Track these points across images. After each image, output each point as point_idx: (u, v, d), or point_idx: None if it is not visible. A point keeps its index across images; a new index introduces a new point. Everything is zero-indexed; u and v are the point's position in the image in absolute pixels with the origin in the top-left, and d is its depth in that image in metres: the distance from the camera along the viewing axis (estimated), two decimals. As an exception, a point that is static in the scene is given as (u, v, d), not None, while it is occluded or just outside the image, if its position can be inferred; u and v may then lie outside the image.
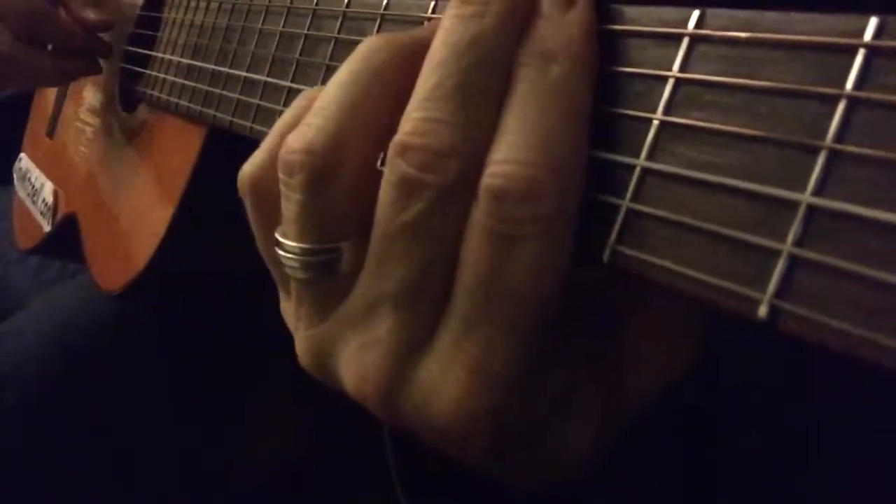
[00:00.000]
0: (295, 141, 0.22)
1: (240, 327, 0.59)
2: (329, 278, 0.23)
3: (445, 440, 0.22)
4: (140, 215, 0.53)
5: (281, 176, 0.23)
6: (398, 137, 0.20)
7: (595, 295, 0.23)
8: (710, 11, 0.18)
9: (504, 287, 0.19)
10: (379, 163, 0.24)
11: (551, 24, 0.20)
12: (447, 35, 0.21)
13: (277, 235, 0.24)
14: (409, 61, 0.22)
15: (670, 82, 0.19)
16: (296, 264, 0.23)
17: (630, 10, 0.20)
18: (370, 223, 0.22)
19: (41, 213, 0.72)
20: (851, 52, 0.15)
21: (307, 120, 0.23)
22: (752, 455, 0.29)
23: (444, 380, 0.20)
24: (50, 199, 0.71)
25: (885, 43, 0.15)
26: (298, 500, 0.60)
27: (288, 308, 0.26)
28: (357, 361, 0.22)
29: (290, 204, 0.23)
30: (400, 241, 0.21)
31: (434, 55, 0.21)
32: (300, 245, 0.23)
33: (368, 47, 0.23)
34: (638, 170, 0.19)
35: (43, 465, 0.55)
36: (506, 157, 0.19)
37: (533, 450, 0.22)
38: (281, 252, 0.24)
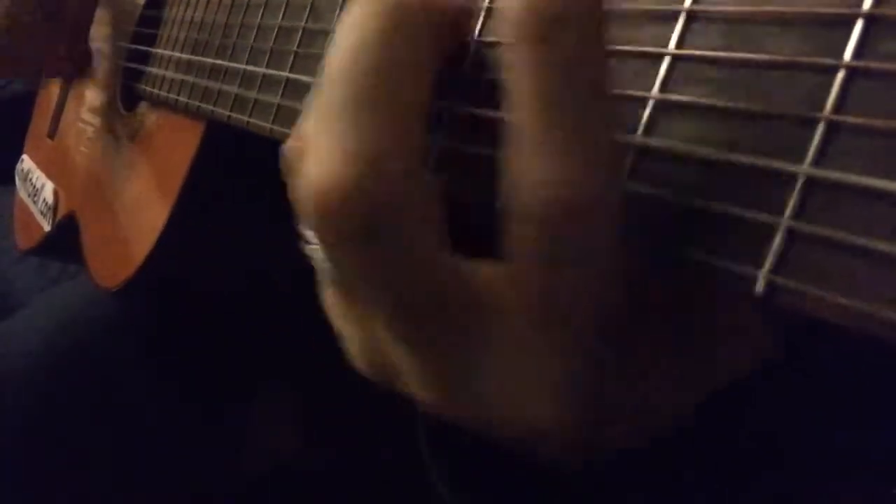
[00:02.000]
0: (322, 174, 0.18)
1: (240, 326, 0.59)
2: None
3: (534, 445, 0.20)
4: (138, 212, 0.53)
5: (324, 229, 0.19)
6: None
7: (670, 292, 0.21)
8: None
9: (564, 302, 0.18)
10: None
11: None
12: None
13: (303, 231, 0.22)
14: (436, 24, 0.19)
15: (666, 59, 0.18)
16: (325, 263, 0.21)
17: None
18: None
19: (41, 212, 0.72)
20: (850, 22, 0.15)
21: (320, 134, 0.19)
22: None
23: (526, 394, 0.19)
24: (50, 199, 0.71)
25: (884, 11, 0.15)
26: (298, 501, 0.60)
27: (332, 311, 0.23)
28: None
29: (346, 270, 0.20)
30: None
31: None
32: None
33: (379, 2, 0.19)
34: (634, 148, 0.18)
35: (43, 464, 0.55)
36: (548, 179, 0.17)
37: (622, 432, 0.21)
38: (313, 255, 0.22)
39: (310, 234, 0.21)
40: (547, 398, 0.19)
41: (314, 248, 0.21)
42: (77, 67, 0.64)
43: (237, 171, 0.48)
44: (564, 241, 0.17)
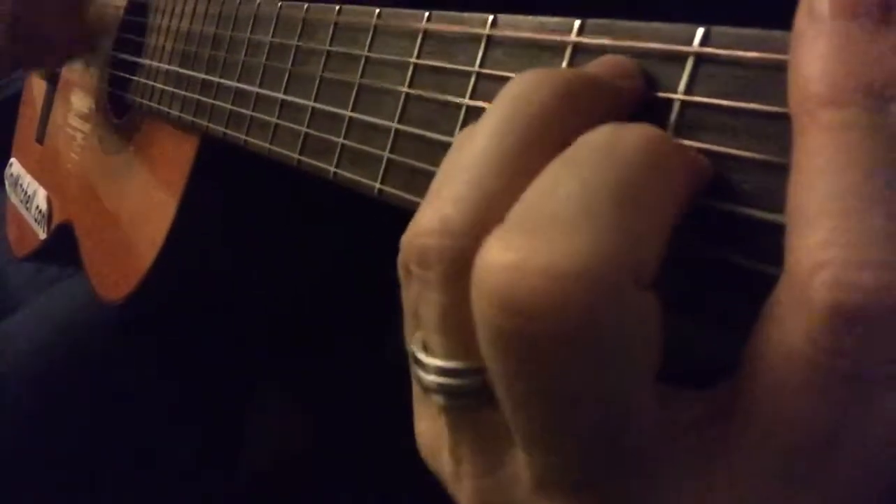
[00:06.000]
0: (427, 219, 0.16)
1: (241, 327, 0.59)
2: (486, 408, 0.17)
3: None
4: (138, 223, 0.53)
5: (412, 268, 0.17)
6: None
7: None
8: (716, 29, 0.18)
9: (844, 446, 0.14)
10: None
11: None
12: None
13: (414, 348, 0.18)
14: (573, 102, 0.17)
15: (676, 104, 0.18)
16: (442, 388, 0.17)
17: (633, 26, 0.20)
18: None
19: (35, 220, 0.72)
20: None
21: (439, 189, 0.17)
22: None
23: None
24: (44, 206, 0.70)
25: None
26: (298, 501, 0.61)
27: (439, 446, 0.19)
28: None
29: (428, 307, 0.17)
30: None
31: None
32: (447, 364, 0.17)
33: (524, 85, 0.17)
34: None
35: (43, 463, 0.56)
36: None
37: None
38: (420, 371, 0.18)
39: (422, 356, 0.18)
40: None
41: (428, 379, 0.17)
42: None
43: (235, 181, 0.48)
44: (862, 352, 0.13)
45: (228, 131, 0.39)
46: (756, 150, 0.17)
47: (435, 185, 0.18)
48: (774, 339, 0.14)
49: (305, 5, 0.34)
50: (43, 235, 0.70)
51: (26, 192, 0.75)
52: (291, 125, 0.34)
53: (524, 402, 0.15)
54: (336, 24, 0.32)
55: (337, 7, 0.32)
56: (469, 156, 0.17)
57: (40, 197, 0.71)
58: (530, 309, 0.14)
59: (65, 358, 0.58)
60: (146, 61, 0.52)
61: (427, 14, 0.27)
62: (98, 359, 0.59)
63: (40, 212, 0.70)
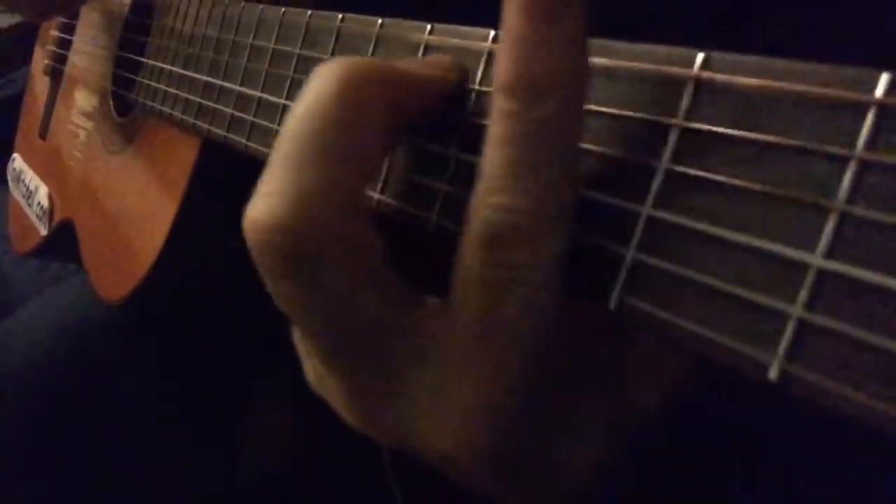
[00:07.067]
0: (258, 212, 0.20)
1: (241, 329, 0.59)
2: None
3: (447, 470, 0.22)
4: (138, 224, 0.53)
5: (264, 264, 0.21)
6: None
7: (594, 317, 0.23)
8: (716, 55, 0.18)
9: (496, 327, 0.19)
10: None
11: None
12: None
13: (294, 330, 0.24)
14: (392, 97, 0.21)
15: (675, 131, 0.18)
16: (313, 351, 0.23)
17: (631, 48, 0.20)
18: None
19: (37, 216, 0.72)
20: (862, 108, 0.15)
21: (261, 186, 0.21)
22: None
23: (441, 415, 0.21)
24: (45, 203, 0.70)
25: (897, 103, 0.14)
26: (298, 501, 0.61)
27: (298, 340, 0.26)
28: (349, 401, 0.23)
29: (286, 300, 0.21)
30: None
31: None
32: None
33: (334, 76, 0.21)
34: (643, 218, 0.19)
35: (43, 462, 0.56)
36: (494, 203, 0.19)
37: (537, 476, 0.23)
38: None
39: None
40: (458, 423, 0.20)
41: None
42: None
43: (236, 181, 0.48)
44: (505, 263, 0.19)
45: (229, 135, 0.39)
46: (752, 179, 0.17)
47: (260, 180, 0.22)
48: (461, 260, 0.20)
49: (308, 12, 0.34)
50: (44, 232, 0.70)
51: (28, 188, 0.75)
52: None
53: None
54: (339, 31, 0.32)
55: (340, 15, 0.32)
56: (278, 155, 0.21)
57: (42, 193, 0.71)
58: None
59: (65, 358, 0.58)
60: (149, 61, 0.52)
61: (429, 27, 0.27)
62: (98, 359, 0.59)
63: (42, 208, 0.71)
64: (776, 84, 0.17)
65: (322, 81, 0.21)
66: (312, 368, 0.25)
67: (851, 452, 0.26)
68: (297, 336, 0.25)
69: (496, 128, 0.19)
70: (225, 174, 0.48)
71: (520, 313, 0.19)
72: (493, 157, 0.19)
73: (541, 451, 0.22)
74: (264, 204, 0.20)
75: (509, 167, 0.18)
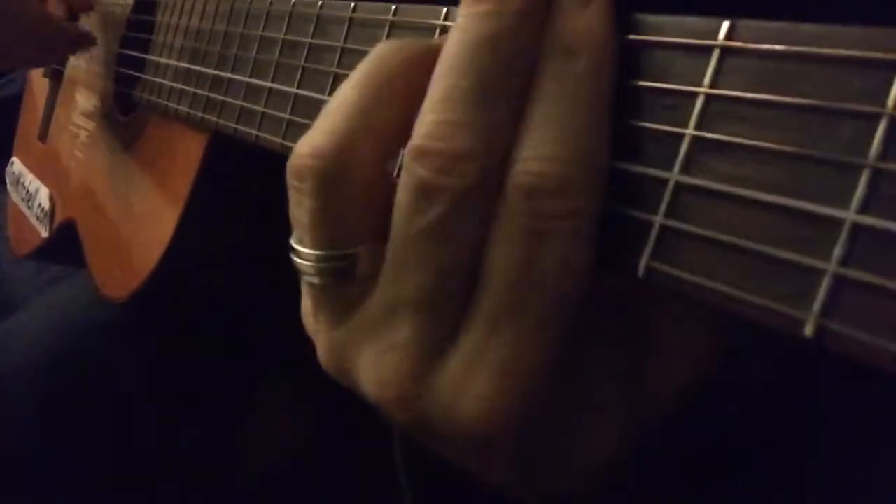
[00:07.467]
0: (303, 145, 0.22)
1: (242, 327, 0.59)
2: (345, 284, 0.23)
3: (469, 445, 0.22)
4: (143, 222, 0.53)
5: (292, 182, 0.23)
6: (414, 141, 0.20)
7: (620, 296, 0.23)
8: (742, 22, 0.18)
9: (533, 284, 0.19)
10: (395, 171, 0.24)
11: (571, 19, 0.20)
12: (462, 34, 0.20)
13: (293, 242, 0.24)
14: (423, 68, 0.22)
15: (701, 97, 0.18)
16: (312, 271, 0.23)
17: (656, 20, 0.20)
18: (386, 228, 0.22)
19: (38, 218, 0.71)
20: (892, 67, 0.15)
21: (317, 124, 0.23)
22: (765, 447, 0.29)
23: (470, 381, 0.20)
24: (46, 205, 0.70)
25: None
26: (299, 501, 0.60)
27: (307, 312, 0.26)
28: (377, 367, 0.22)
29: (302, 210, 0.23)
30: (418, 246, 0.21)
31: (448, 55, 0.21)
32: (315, 252, 0.23)
33: (381, 51, 0.23)
34: (671, 184, 0.19)
35: (44, 462, 0.55)
36: (535, 154, 0.19)
37: (556, 454, 0.23)
38: (297, 259, 0.24)
39: (298, 247, 0.24)
40: (486, 389, 0.20)
41: (302, 263, 0.24)
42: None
43: (241, 181, 0.48)
44: (545, 215, 0.19)
45: (239, 126, 0.39)
46: (780, 141, 0.17)
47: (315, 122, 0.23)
48: (495, 219, 0.20)
49: (319, 2, 0.34)
50: (45, 233, 0.70)
51: (28, 191, 0.75)
52: (305, 120, 0.34)
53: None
54: (352, 20, 0.32)
55: (352, 3, 0.32)
56: (335, 102, 0.23)
57: (42, 195, 0.71)
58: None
59: (65, 358, 0.58)
60: (154, 58, 0.52)
61: (445, 10, 0.27)
62: (98, 359, 0.58)
63: (42, 210, 0.70)
64: (803, 49, 0.17)
65: (388, 48, 0.23)
66: (335, 350, 0.25)
67: (851, 452, 0.26)
68: (315, 314, 0.25)
69: (548, 84, 0.20)
70: (230, 172, 0.48)
71: (556, 269, 0.19)
72: (537, 114, 0.20)
73: (562, 426, 0.22)
74: (318, 132, 0.22)
75: (553, 120, 0.19)
